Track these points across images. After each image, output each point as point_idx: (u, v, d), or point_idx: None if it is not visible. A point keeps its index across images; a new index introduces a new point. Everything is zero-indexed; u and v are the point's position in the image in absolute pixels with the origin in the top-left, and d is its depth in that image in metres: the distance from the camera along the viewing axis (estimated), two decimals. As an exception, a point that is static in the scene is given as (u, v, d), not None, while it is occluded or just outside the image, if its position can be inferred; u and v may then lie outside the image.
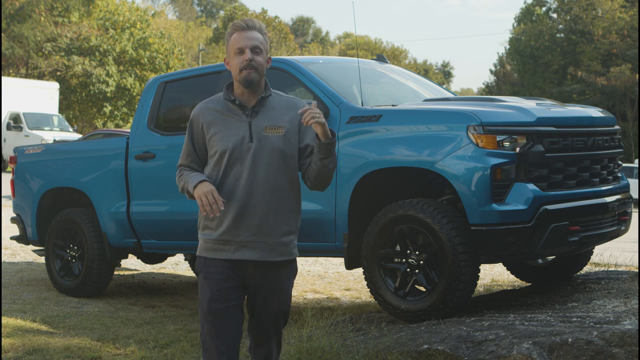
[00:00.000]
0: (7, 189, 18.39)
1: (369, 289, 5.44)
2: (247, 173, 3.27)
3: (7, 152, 26.44)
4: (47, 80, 37.62)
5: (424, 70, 78.77)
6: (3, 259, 9.33)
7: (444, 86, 14.38)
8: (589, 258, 6.33)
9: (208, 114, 3.35)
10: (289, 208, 3.35)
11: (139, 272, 9.02)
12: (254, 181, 3.27)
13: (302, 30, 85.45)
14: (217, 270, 3.28)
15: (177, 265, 9.51)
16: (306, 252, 6.07)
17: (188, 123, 3.43)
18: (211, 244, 3.32)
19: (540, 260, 6.30)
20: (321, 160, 3.27)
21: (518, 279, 6.82)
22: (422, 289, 5.25)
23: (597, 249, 7.12)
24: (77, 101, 41.02)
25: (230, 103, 3.34)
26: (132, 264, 9.43)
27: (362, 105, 5.70)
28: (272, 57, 5.65)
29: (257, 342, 3.41)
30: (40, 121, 28.20)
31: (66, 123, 29.64)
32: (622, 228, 5.76)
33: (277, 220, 3.31)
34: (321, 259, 9.66)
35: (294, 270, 3.44)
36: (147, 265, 9.12)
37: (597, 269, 7.67)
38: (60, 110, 36.17)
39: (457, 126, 5.11)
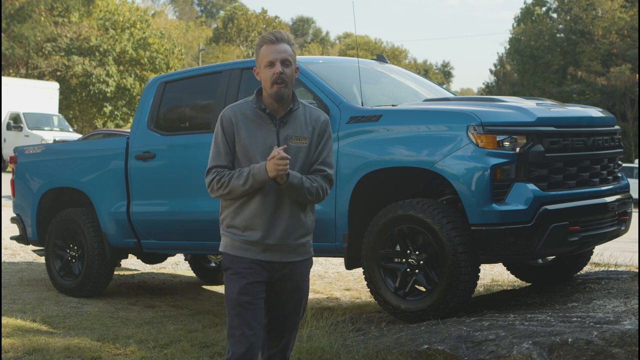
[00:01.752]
0: (7, 189, 18.39)
1: (369, 289, 5.44)
2: (274, 180, 3.38)
3: (7, 152, 26.43)
4: (47, 80, 37.61)
5: (424, 70, 78.76)
6: (3, 259, 9.33)
7: (444, 86, 14.38)
8: (589, 258, 6.33)
9: (240, 117, 3.46)
10: (307, 212, 3.52)
11: (139, 272, 9.02)
12: (280, 188, 3.40)
13: (302, 30, 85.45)
14: (246, 265, 3.44)
15: (177, 265, 9.51)
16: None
17: (218, 123, 3.48)
18: (238, 243, 3.46)
19: (540, 260, 6.30)
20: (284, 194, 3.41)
21: (518, 279, 6.82)
22: (422, 289, 5.25)
23: (597, 249, 7.13)
24: (77, 101, 41.02)
25: (261, 111, 3.45)
26: (132, 264, 9.43)
27: (362, 105, 5.70)
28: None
29: (275, 334, 3.55)
30: (40, 121, 28.19)
31: (66, 123, 29.63)
32: (622, 228, 5.76)
33: (298, 224, 3.47)
34: (321, 259, 9.66)
35: (310, 265, 3.62)
36: (147, 265, 9.11)
37: (597, 269, 7.67)
38: (60, 110, 36.16)
39: (457, 126, 5.11)
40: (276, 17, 55.12)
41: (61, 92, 35.90)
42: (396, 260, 5.34)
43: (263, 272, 3.44)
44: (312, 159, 3.48)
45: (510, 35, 49.20)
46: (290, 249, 3.47)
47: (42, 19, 38.34)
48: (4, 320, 6.12)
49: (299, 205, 3.45)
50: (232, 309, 3.43)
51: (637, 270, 6.96)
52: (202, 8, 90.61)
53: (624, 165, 13.01)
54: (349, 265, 5.59)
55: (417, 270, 5.21)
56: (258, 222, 3.42)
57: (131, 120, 39.64)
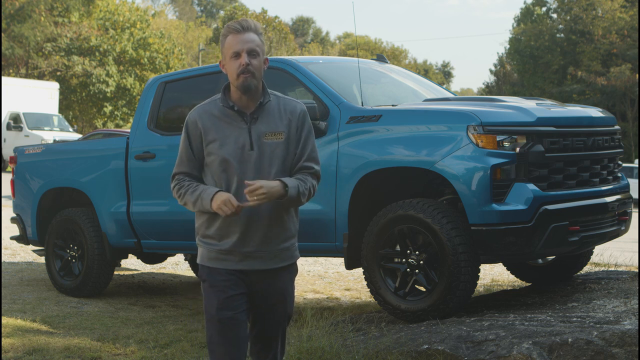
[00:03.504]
0: (7, 189, 18.39)
1: (369, 289, 5.44)
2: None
3: (7, 152, 26.43)
4: (47, 80, 37.62)
5: (424, 70, 78.77)
6: (3, 259, 9.33)
7: (444, 86, 14.38)
8: (589, 258, 6.33)
9: (206, 118, 3.23)
10: (290, 215, 3.30)
11: (139, 272, 9.02)
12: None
13: (302, 30, 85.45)
14: (223, 277, 3.23)
15: (177, 265, 9.51)
16: (306, 252, 6.07)
17: (184, 128, 3.30)
18: (214, 254, 3.26)
19: (540, 260, 6.30)
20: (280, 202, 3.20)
21: (518, 279, 6.82)
22: (422, 289, 5.25)
23: (597, 249, 7.12)
24: (77, 101, 41.03)
25: (229, 109, 3.22)
26: (132, 264, 9.43)
27: (362, 105, 5.70)
28: (272, 57, 5.66)
29: (263, 346, 3.37)
30: (40, 121, 28.20)
31: (66, 123, 29.64)
32: (622, 228, 5.76)
33: (279, 227, 3.26)
34: (321, 259, 9.66)
35: (295, 271, 3.41)
36: (147, 265, 9.11)
37: (597, 269, 7.66)
38: (60, 110, 36.17)
39: (457, 126, 5.11)
40: (276, 17, 55.07)
41: (61, 92, 35.91)
42: (396, 260, 5.33)
43: (242, 282, 3.23)
44: (296, 156, 3.25)
45: (510, 35, 49.23)
46: (271, 255, 3.25)
47: (42, 19, 38.36)
48: (4, 320, 6.12)
49: (281, 209, 3.23)
50: (212, 325, 3.22)
51: (637, 270, 6.96)
52: (202, 8, 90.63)
53: (624, 165, 13.00)
54: (349, 265, 5.59)
55: (417, 270, 5.21)
56: (234, 230, 3.20)
57: (131, 120, 39.64)
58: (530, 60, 46.30)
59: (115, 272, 8.71)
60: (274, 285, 3.29)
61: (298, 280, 8.38)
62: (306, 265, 9.41)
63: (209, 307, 3.24)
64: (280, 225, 3.26)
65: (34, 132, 27.09)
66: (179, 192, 3.27)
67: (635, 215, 10.26)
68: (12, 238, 8.11)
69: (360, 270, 8.18)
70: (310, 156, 3.27)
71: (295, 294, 7.62)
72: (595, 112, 5.81)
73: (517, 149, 5.00)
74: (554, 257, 6.18)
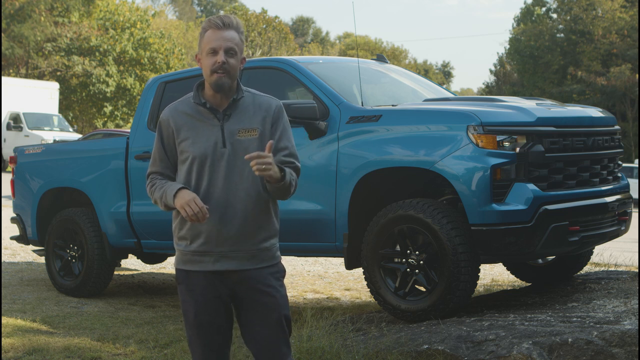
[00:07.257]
0: (7, 189, 18.39)
1: (369, 289, 5.44)
2: (223, 180, 3.10)
3: (7, 152, 26.43)
4: (47, 80, 37.62)
5: (424, 70, 78.76)
6: (3, 259, 9.33)
7: (444, 86, 14.39)
8: (589, 258, 6.33)
9: (178, 117, 3.16)
10: (267, 212, 3.17)
11: (139, 272, 9.02)
12: (230, 188, 3.10)
13: (302, 30, 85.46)
14: (201, 281, 3.14)
15: (177, 265, 9.50)
16: (306, 252, 6.08)
17: (157, 127, 3.26)
18: (189, 256, 3.16)
19: (540, 260, 6.30)
20: (267, 192, 3.12)
21: (518, 279, 6.82)
22: (422, 289, 5.26)
23: (597, 249, 7.12)
24: (77, 101, 41.01)
25: (201, 106, 3.15)
26: (132, 264, 9.43)
27: (362, 105, 5.70)
28: (272, 57, 5.67)
29: (265, 355, 3.16)
30: (40, 121, 28.20)
31: (66, 123, 29.63)
32: (622, 228, 5.76)
33: (256, 226, 3.13)
34: (321, 259, 9.66)
35: (281, 271, 3.24)
36: (147, 265, 9.11)
37: (597, 269, 7.66)
38: (60, 110, 36.16)
39: (457, 126, 5.11)
40: (276, 17, 55.06)
41: (61, 92, 35.91)
42: (396, 260, 5.33)
43: (221, 285, 3.12)
44: (272, 151, 3.09)
45: (510, 35, 49.22)
46: (249, 255, 3.12)
47: (42, 19, 38.36)
48: (4, 320, 6.12)
49: (256, 206, 3.12)
50: (190, 328, 3.16)
51: (637, 270, 6.96)
52: (202, 8, 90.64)
53: (624, 165, 13.03)
54: (349, 265, 5.59)
55: (417, 270, 5.21)
56: (206, 229, 3.09)
57: (131, 120, 39.64)
58: (530, 60, 46.30)
59: (115, 272, 8.70)
60: (258, 283, 3.14)
61: (298, 280, 8.38)
62: (306, 265, 9.41)
63: (186, 311, 3.18)
64: (256, 223, 3.13)
65: (34, 132, 27.08)
66: (150, 190, 3.23)
67: (635, 215, 10.26)
68: (12, 238, 8.11)
69: (360, 270, 8.18)
70: (290, 152, 3.17)
71: (295, 293, 7.62)
72: (595, 112, 5.82)
73: (517, 149, 5.01)
74: (554, 257, 6.18)
